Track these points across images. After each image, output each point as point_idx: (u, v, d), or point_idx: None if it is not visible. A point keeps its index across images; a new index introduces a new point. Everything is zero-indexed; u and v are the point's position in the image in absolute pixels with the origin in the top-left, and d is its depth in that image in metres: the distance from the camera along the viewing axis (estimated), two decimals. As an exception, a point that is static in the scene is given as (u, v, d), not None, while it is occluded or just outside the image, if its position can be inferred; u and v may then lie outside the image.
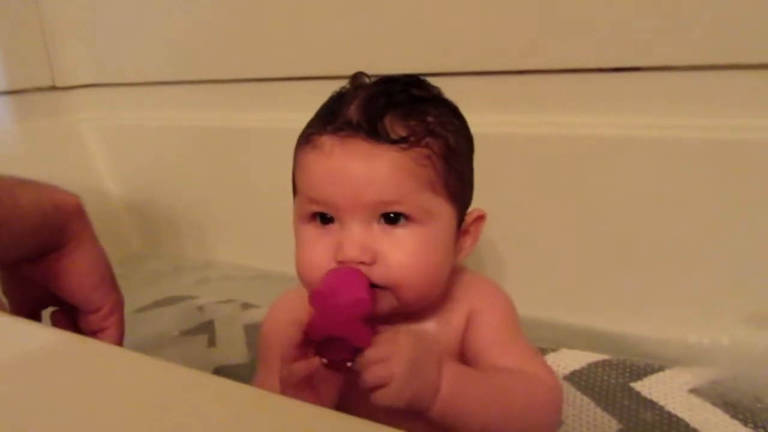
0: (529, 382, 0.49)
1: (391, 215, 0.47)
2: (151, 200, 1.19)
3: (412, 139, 0.46)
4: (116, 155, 1.22)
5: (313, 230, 0.49)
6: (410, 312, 0.50)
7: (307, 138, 0.49)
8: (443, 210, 0.49)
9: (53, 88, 1.22)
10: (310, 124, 0.51)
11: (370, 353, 0.42)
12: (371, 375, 0.41)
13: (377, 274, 0.46)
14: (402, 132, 0.46)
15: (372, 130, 0.46)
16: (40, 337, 0.39)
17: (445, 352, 0.47)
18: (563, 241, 0.81)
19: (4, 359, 0.35)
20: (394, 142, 0.46)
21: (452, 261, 0.52)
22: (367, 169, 0.46)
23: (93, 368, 0.35)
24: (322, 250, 0.47)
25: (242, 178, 1.09)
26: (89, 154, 1.22)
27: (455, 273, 0.54)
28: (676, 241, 0.74)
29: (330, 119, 0.48)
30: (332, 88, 0.91)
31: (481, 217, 0.53)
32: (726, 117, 0.72)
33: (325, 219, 0.48)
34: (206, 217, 1.15)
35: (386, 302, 0.47)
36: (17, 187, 0.52)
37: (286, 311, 0.55)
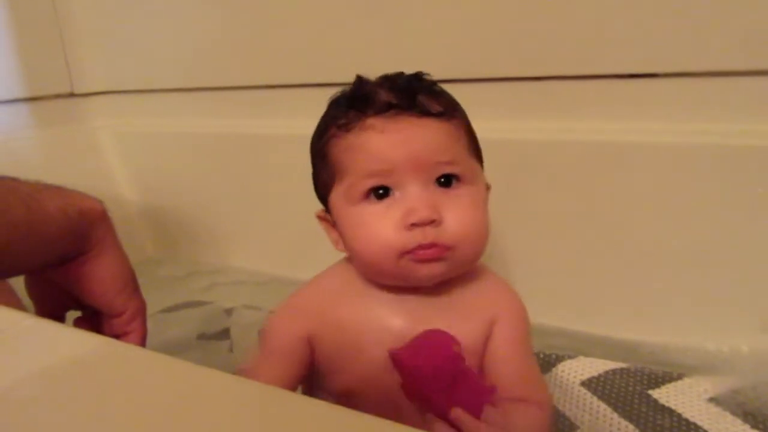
0: (538, 414, 0.51)
1: (445, 178, 0.50)
2: (166, 206, 1.20)
3: (448, 112, 0.51)
4: (132, 161, 1.23)
5: (370, 207, 0.50)
6: (454, 277, 0.52)
7: (346, 127, 0.51)
8: (480, 173, 0.53)
9: (71, 95, 1.24)
10: (337, 118, 0.52)
11: None
12: None
13: (444, 233, 0.48)
14: (438, 106, 0.50)
15: (415, 107, 0.49)
16: (69, 339, 0.40)
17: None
18: (581, 248, 0.81)
19: (33, 361, 0.36)
20: (436, 115, 0.50)
21: None
22: (423, 134, 0.49)
23: (122, 370, 0.36)
24: (388, 222, 0.49)
25: (256, 184, 1.10)
26: (106, 160, 1.24)
27: (480, 272, 0.55)
28: (695, 248, 0.74)
29: (365, 107, 0.50)
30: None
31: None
32: (743, 123, 0.72)
33: (379, 195, 0.50)
34: (220, 223, 1.15)
35: (444, 266, 0.50)
36: (43, 193, 0.53)
37: (295, 306, 0.56)
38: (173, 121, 1.19)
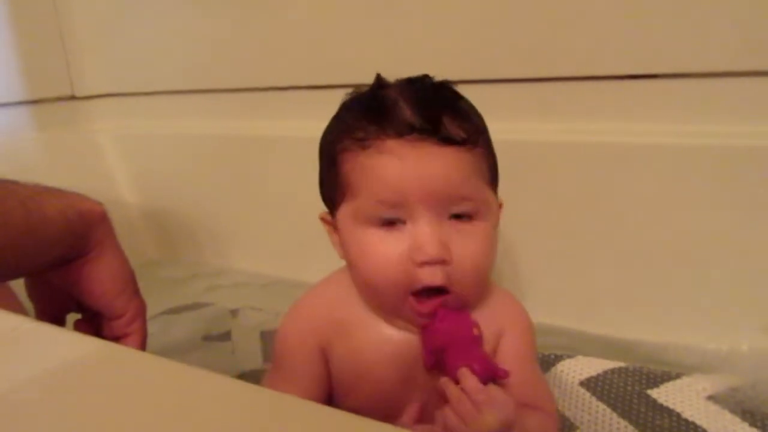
0: (547, 422, 0.52)
1: (460, 213, 0.48)
2: (167, 208, 1.21)
3: (471, 139, 0.48)
4: (133, 164, 1.24)
5: (378, 232, 0.49)
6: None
7: (362, 143, 0.48)
8: (494, 202, 0.52)
9: (72, 97, 1.24)
10: (354, 128, 0.49)
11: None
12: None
13: (452, 272, 0.48)
14: (462, 133, 0.48)
15: (439, 133, 0.47)
16: (69, 342, 0.40)
17: None
18: (580, 247, 0.81)
19: (33, 366, 0.36)
20: (460, 143, 0.47)
21: None
22: (443, 167, 0.47)
23: (121, 373, 0.36)
24: (394, 250, 0.48)
25: (257, 186, 1.10)
26: (107, 163, 1.24)
27: (486, 286, 0.55)
28: (694, 248, 0.74)
29: (385, 123, 0.48)
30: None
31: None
32: (743, 124, 0.72)
33: (389, 222, 0.48)
34: (221, 225, 1.16)
35: (453, 302, 0.49)
36: (43, 195, 0.53)
37: (305, 317, 0.55)
38: (174, 123, 1.20)
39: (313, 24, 0.99)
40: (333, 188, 0.52)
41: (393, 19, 0.92)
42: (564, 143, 0.81)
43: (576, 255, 0.81)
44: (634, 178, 0.77)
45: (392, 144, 0.47)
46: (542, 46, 0.82)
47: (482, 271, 0.50)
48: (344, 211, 0.51)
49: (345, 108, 0.53)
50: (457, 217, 0.48)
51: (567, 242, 0.82)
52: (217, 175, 1.14)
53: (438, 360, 0.49)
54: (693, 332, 0.72)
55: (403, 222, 0.48)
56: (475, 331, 0.49)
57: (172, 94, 1.19)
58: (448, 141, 0.47)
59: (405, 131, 0.47)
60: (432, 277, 0.47)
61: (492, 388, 0.46)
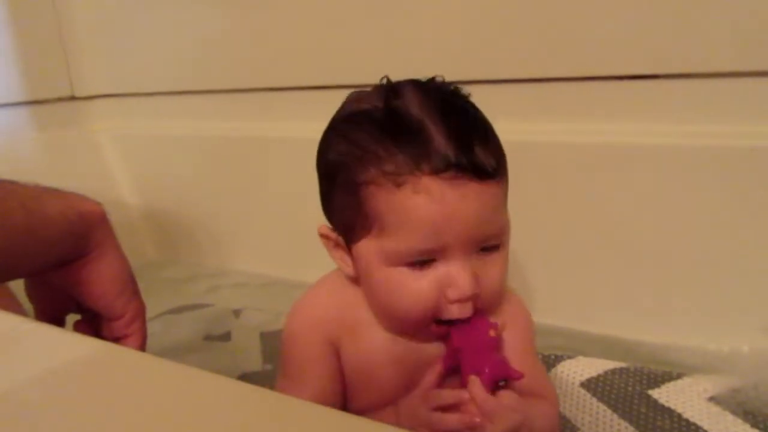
0: (551, 411, 0.52)
1: (488, 247, 0.48)
2: (167, 209, 1.21)
3: (501, 168, 0.47)
4: (133, 164, 1.24)
5: (407, 271, 0.47)
6: None
7: (395, 179, 0.45)
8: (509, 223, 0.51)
9: (72, 98, 1.25)
10: (380, 158, 0.46)
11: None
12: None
13: (479, 300, 0.48)
14: (493, 162, 0.46)
15: (475, 169, 0.45)
16: (68, 343, 0.40)
17: None
18: (581, 248, 0.81)
19: (32, 366, 0.36)
20: (493, 176, 0.46)
21: None
22: (480, 207, 0.46)
23: (121, 374, 0.36)
24: (424, 288, 0.47)
25: (257, 187, 1.10)
26: (107, 163, 1.24)
27: None
28: (696, 248, 0.74)
29: (419, 157, 0.44)
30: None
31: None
32: (745, 124, 0.72)
33: (421, 263, 0.47)
34: (222, 225, 1.16)
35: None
36: (44, 196, 0.53)
37: (311, 314, 0.55)
38: (174, 124, 1.20)
39: (314, 24, 0.99)
40: (352, 218, 0.49)
41: (393, 19, 0.92)
42: (565, 143, 0.81)
43: (577, 255, 0.81)
44: (636, 178, 0.77)
45: (428, 182, 0.44)
46: (543, 47, 0.82)
47: (503, 289, 0.51)
48: (368, 246, 0.48)
49: (355, 124, 0.49)
50: (485, 250, 0.48)
51: (568, 242, 0.82)
52: (217, 175, 1.14)
53: (455, 362, 0.50)
54: (694, 333, 0.72)
55: (434, 260, 0.47)
56: (492, 333, 0.49)
57: (172, 95, 1.19)
58: (483, 175, 0.45)
59: (441, 167, 0.44)
60: (463, 311, 0.47)
61: (503, 395, 0.46)
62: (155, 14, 1.15)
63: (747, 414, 0.56)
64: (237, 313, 0.92)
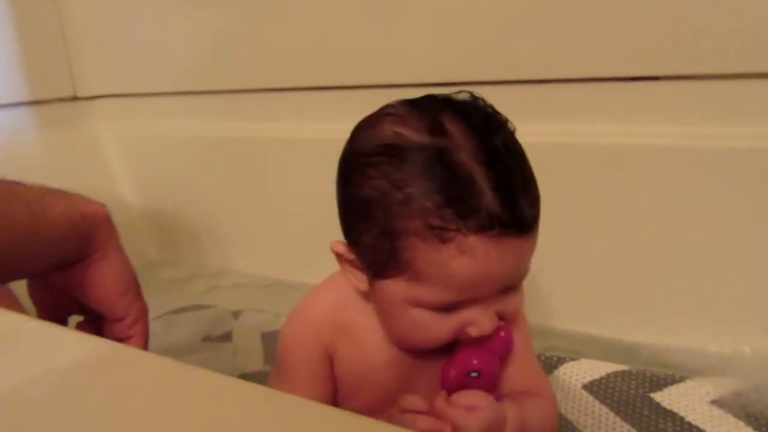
0: (549, 409, 0.53)
1: (511, 286, 0.48)
2: (169, 209, 1.21)
3: (538, 216, 0.46)
4: (135, 164, 1.24)
5: (433, 314, 0.47)
6: None
7: (440, 235, 0.43)
8: None
9: (74, 98, 1.24)
10: (426, 209, 0.43)
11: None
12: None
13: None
14: (534, 213, 0.45)
15: (520, 225, 0.44)
16: (71, 342, 0.40)
17: None
18: (582, 250, 0.81)
19: (35, 364, 0.36)
20: (533, 226, 0.45)
21: None
22: (516, 260, 0.46)
23: (124, 373, 0.36)
24: (447, 326, 0.47)
25: (258, 187, 1.10)
26: (108, 164, 1.24)
27: None
28: (697, 250, 0.74)
29: (467, 214, 0.42)
30: (349, 98, 0.90)
31: None
32: (745, 126, 0.72)
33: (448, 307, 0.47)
34: (222, 226, 1.16)
35: None
36: (47, 197, 0.53)
37: (308, 319, 0.55)
38: (176, 125, 1.20)
39: (315, 25, 0.99)
40: (384, 260, 0.47)
41: (393, 20, 0.92)
42: (565, 144, 0.81)
43: (578, 257, 0.81)
44: (636, 179, 0.77)
45: (474, 241, 0.43)
46: (544, 48, 0.82)
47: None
48: (396, 286, 0.47)
49: (398, 160, 0.44)
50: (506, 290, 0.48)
51: (569, 244, 0.81)
52: (218, 176, 1.14)
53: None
54: (695, 335, 0.72)
55: (461, 304, 0.47)
56: (502, 334, 0.50)
57: (174, 95, 1.19)
58: (525, 229, 0.44)
59: (488, 225, 0.42)
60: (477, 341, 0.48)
61: (463, 395, 0.46)
62: (157, 15, 1.15)
63: (749, 417, 0.56)
64: (237, 314, 0.92)
